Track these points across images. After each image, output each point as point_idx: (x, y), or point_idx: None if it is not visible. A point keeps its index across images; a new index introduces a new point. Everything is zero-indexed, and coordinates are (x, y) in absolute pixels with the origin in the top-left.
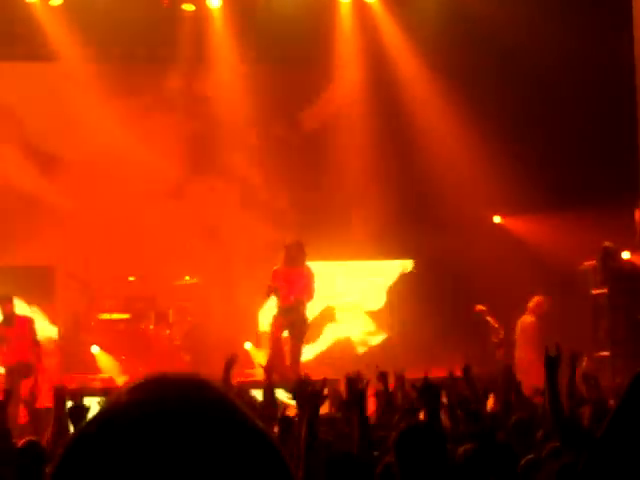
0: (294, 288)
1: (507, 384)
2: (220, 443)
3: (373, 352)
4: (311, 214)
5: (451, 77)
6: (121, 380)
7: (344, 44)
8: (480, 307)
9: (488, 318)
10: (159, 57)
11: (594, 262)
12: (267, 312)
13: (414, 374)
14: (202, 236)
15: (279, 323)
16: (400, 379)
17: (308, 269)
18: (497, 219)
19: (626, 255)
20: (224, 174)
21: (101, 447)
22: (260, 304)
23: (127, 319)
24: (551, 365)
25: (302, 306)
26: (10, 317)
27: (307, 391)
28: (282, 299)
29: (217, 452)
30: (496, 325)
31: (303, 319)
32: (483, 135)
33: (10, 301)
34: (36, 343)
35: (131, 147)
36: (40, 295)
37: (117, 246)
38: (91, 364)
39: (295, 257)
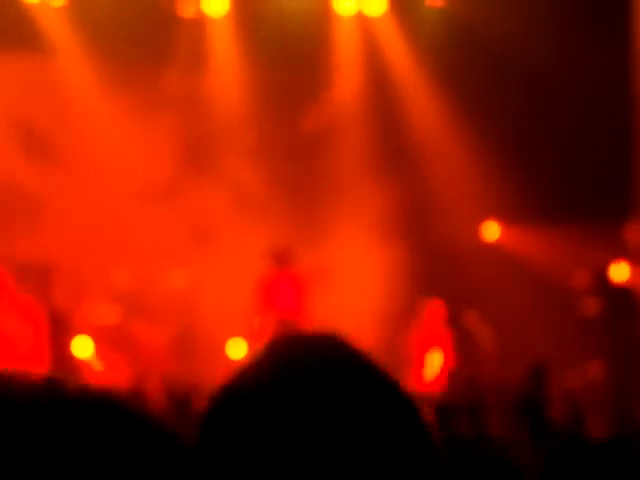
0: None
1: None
2: (357, 398)
3: None
4: (308, 217)
5: (451, 85)
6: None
7: (344, 51)
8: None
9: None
10: (157, 58)
11: (586, 277)
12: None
13: None
14: (194, 239)
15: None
16: None
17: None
18: (491, 230)
19: (624, 271)
20: (219, 176)
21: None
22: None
23: (115, 318)
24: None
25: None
26: None
27: None
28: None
29: (354, 407)
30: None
31: None
32: (480, 146)
33: None
34: None
35: (125, 145)
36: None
37: (106, 246)
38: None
39: (283, 261)
